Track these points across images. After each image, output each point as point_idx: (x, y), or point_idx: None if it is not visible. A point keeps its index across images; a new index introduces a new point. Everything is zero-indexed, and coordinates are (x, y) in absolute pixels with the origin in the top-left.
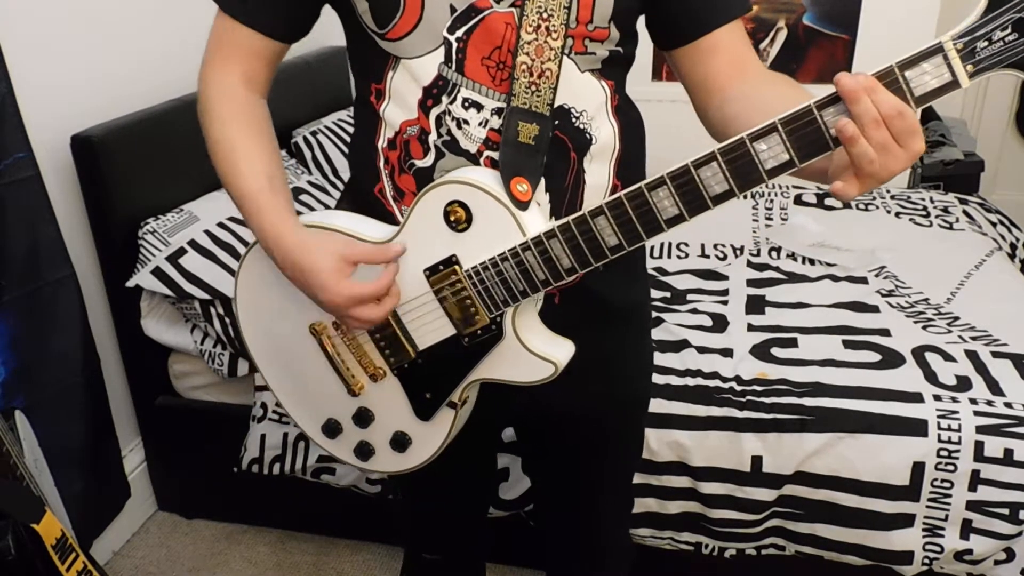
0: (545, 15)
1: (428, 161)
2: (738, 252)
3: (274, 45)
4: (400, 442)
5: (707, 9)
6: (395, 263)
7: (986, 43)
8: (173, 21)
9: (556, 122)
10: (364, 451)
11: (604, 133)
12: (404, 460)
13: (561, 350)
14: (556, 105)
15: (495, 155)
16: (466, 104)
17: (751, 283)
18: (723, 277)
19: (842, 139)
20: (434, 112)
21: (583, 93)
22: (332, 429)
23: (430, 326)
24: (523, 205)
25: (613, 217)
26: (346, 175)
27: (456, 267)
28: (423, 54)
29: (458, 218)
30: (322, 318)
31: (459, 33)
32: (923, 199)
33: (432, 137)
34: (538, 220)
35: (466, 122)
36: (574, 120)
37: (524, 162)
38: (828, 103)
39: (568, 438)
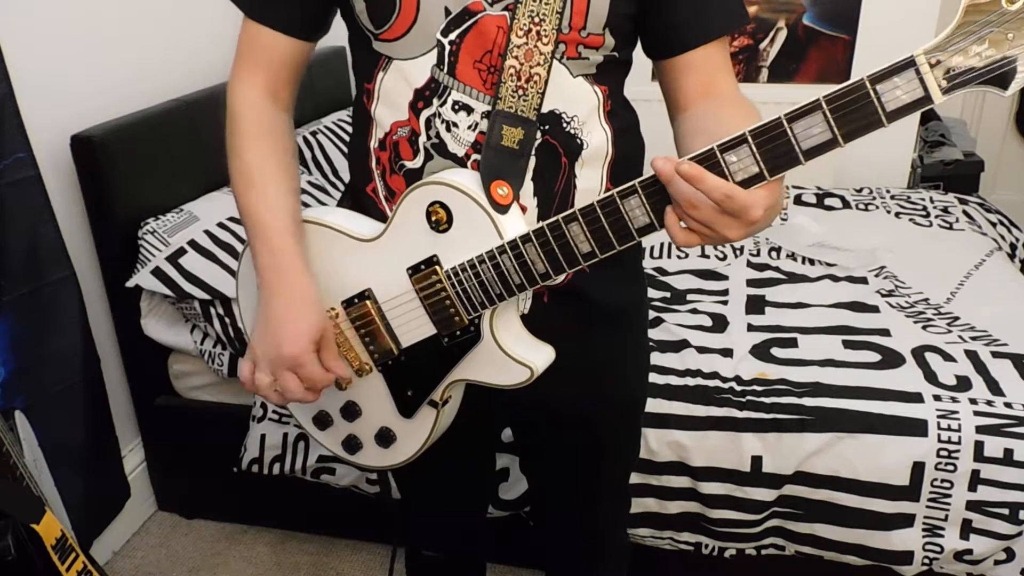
0: (537, 19)
1: (417, 163)
2: (738, 252)
3: (296, 46)
4: (385, 437)
5: (688, 29)
6: (334, 376)
7: (961, 57)
8: (173, 22)
9: (546, 127)
10: (351, 444)
11: (596, 138)
12: (389, 456)
13: (539, 355)
14: (547, 110)
15: None
16: (456, 107)
17: (751, 283)
18: (723, 277)
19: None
20: (424, 114)
21: (575, 98)
22: (322, 421)
23: (412, 324)
24: (502, 208)
25: (586, 224)
26: (345, 175)
27: (437, 267)
28: (416, 56)
29: (439, 219)
30: None
31: (452, 36)
32: (923, 199)
33: (422, 139)
34: (517, 224)
35: (455, 125)
36: (565, 125)
37: (506, 166)
38: (799, 114)
39: (565, 439)
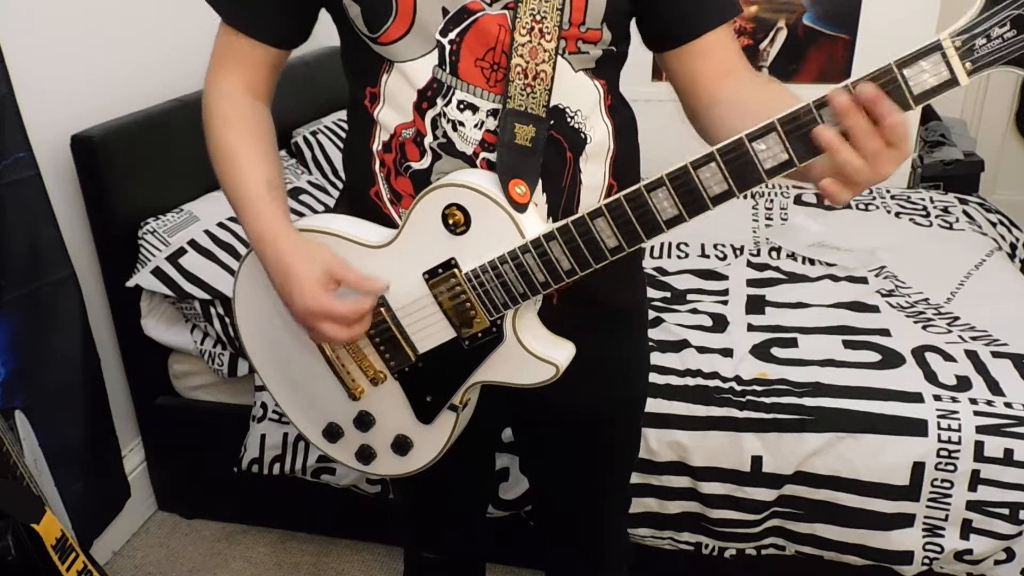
0: (538, 17)
1: (424, 163)
2: (738, 252)
3: (274, 53)
4: (401, 445)
5: (696, 13)
6: (374, 297)
7: (984, 40)
8: (173, 22)
9: (552, 122)
10: (365, 455)
11: (599, 132)
12: (405, 463)
13: (561, 352)
14: (551, 105)
15: (491, 157)
16: (461, 106)
17: (751, 283)
18: (723, 277)
19: (823, 148)
20: (429, 114)
21: (577, 93)
22: (333, 433)
23: (430, 329)
24: (521, 207)
25: (612, 218)
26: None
27: (455, 270)
28: (416, 57)
29: (456, 221)
30: None
31: (452, 35)
32: (923, 199)
33: (428, 139)
34: (536, 222)
35: (462, 124)
36: (569, 120)
37: (522, 164)
38: (826, 102)
39: (566, 438)
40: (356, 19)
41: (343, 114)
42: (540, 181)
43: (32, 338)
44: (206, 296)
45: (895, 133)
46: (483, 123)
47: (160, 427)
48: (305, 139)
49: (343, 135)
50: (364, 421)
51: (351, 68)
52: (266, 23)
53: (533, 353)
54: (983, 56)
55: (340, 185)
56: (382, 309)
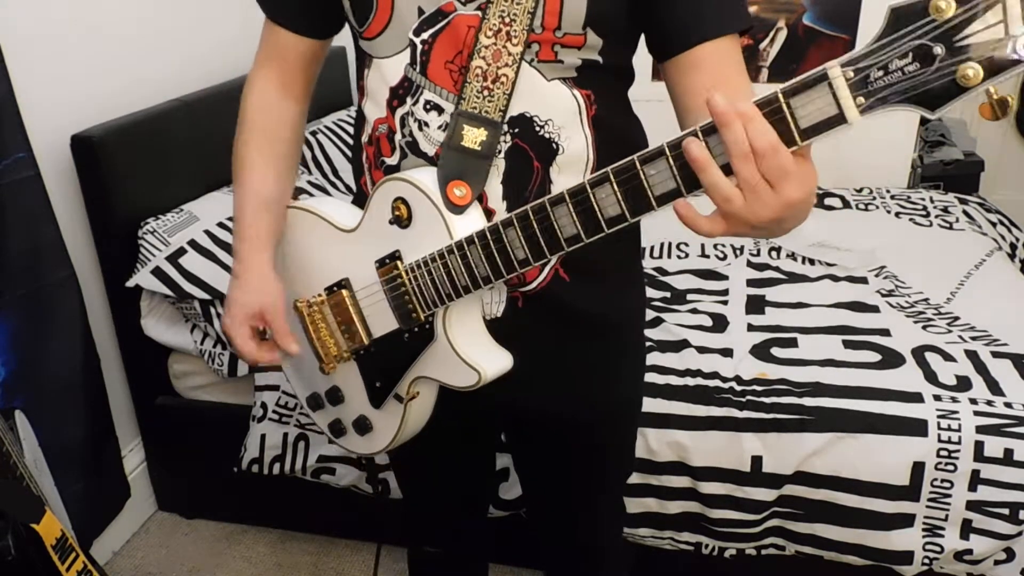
0: (507, 19)
1: (395, 160)
2: (738, 252)
3: (310, 44)
4: (362, 425)
5: (693, 23)
6: (277, 350)
7: (881, 72)
8: (172, 22)
9: (516, 130)
10: (336, 429)
11: (575, 143)
12: (368, 444)
13: (492, 361)
14: (517, 113)
15: None
16: (427, 107)
17: (751, 283)
18: (723, 277)
19: (688, 161)
20: (399, 112)
21: (550, 101)
22: (315, 402)
23: (381, 316)
24: (458, 209)
25: (520, 230)
26: (345, 175)
27: (399, 262)
28: (392, 54)
29: (401, 215)
30: (304, 293)
31: (425, 36)
32: (923, 199)
33: (397, 137)
34: (469, 225)
35: (427, 124)
36: (537, 129)
37: (466, 167)
38: (710, 128)
39: (553, 442)
40: (348, 13)
41: (343, 114)
42: (502, 188)
43: (32, 338)
44: (206, 296)
45: (765, 162)
46: (447, 124)
47: (160, 427)
48: (305, 139)
49: (343, 135)
50: (335, 396)
51: (355, 63)
52: (299, 15)
53: (460, 356)
54: (878, 90)
55: (340, 185)
56: (344, 291)
